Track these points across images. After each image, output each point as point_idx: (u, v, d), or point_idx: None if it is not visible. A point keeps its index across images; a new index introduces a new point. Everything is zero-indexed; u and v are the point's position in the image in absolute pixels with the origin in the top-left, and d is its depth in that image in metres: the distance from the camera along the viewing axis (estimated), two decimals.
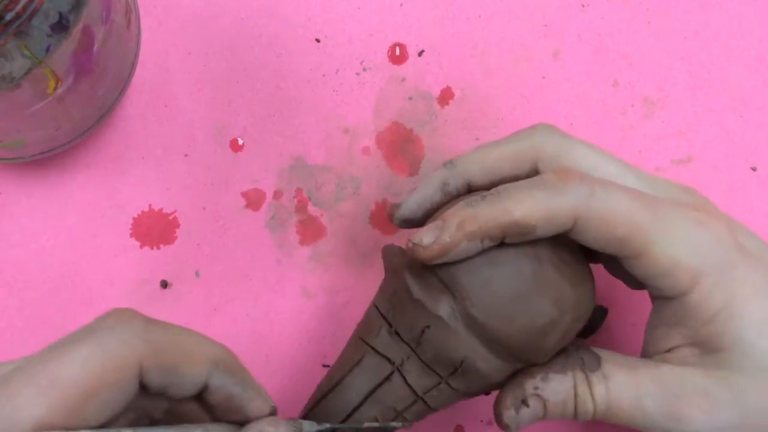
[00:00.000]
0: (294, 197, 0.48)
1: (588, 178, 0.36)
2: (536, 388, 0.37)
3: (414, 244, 0.37)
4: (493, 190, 0.37)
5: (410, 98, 0.49)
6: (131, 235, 0.47)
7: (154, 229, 0.48)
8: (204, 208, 0.48)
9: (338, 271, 0.48)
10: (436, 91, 0.49)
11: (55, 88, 0.39)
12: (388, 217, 0.42)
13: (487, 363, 0.37)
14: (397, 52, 0.49)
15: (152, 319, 0.32)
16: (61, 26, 0.37)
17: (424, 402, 0.39)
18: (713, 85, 0.50)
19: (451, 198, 0.41)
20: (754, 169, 0.49)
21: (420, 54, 0.49)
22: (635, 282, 0.40)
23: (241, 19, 0.49)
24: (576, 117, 0.49)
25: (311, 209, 0.48)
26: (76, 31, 0.37)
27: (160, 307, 0.47)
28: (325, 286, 0.47)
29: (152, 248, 0.47)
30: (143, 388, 0.31)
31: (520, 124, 0.49)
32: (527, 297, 0.36)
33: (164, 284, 0.47)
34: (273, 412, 0.34)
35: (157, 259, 0.47)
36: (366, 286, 0.48)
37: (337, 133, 0.49)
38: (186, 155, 0.48)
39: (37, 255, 0.47)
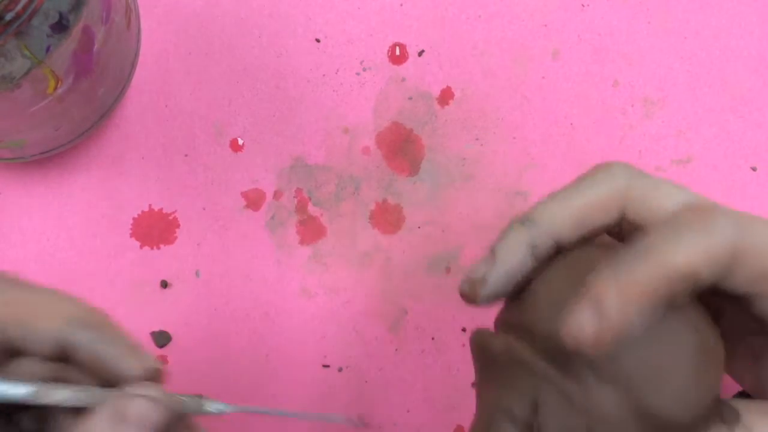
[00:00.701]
0: (294, 197, 0.48)
1: (731, 210, 0.32)
2: None
3: (574, 335, 0.30)
4: (632, 245, 0.31)
5: (410, 98, 0.49)
6: (131, 235, 0.47)
7: (154, 229, 0.48)
8: (204, 208, 0.48)
9: (338, 271, 0.48)
10: (436, 91, 0.49)
11: (55, 88, 0.39)
12: (464, 295, 0.34)
13: None
14: (397, 52, 0.49)
15: (8, 278, 0.31)
16: (61, 26, 0.37)
17: None
18: (713, 85, 0.50)
19: (542, 259, 0.34)
20: (754, 169, 0.49)
21: (420, 54, 0.49)
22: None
23: (241, 19, 0.49)
24: (576, 117, 0.49)
25: (311, 209, 0.48)
26: (76, 31, 0.37)
27: (160, 307, 0.47)
28: (325, 286, 0.47)
29: (152, 248, 0.47)
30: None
31: (520, 124, 0.49)
32: (701, 373, 0.31)
33: (164, 284, 0.47)
34: (152, 375, 0.32)
35: (157, 259, 0.47)
36: (366, 286, 0.48)
37: (337, 133, 0.49)
38: (186, 155, 0.48)
39: (37, 255, 0.47)
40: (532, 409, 0.32)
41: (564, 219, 0.34)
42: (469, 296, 0.34)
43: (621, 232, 0.35)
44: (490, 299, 0.34)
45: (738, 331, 0.36)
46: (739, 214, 0.32)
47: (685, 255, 0.30)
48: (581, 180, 0.35)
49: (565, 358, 0.31)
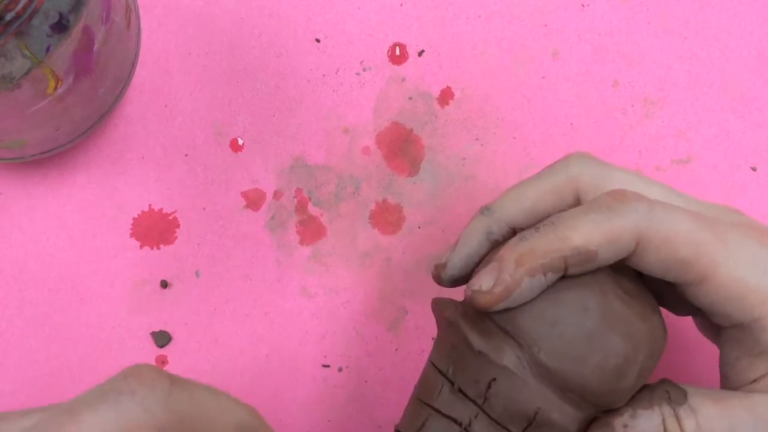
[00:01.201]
0: (294, 197, 0.48)
1: (645, 198, 0.35)
2: (625, 426, 0.35)
3: (473, 291, 0.34)
4: (546, 221, 0.35)
5: (410, 98, 0.49)
6: (131, 235, 0.47)
7: (154, 229, 0.48)
8: (204, 208, 0.48)
9: (338, 271, 0.48)
10: (436, 91, 0.49)
11: (55, 88, 0.39)
12: (434, 279, 0.39)
13: (561, 413, 0.35)
14: (397, 52, 0.49)
15: (177, 381, 0.30)
16: (61, 26, 0.37)
17: None
18: (713, 85, 0.50)
19: (498, 244, 0.38)
20: (754, 169, 0.49)
21: (420, 54, 0.49)
22: (684, 309, 0.39)
23: (241, 19, 0.49)
24: (576, 117, 0.49)
25: (311, 209, 0.48)
26: (76, 31, 0.37)
27: (160, 307, 0.47)
28: (325, 286, 0.47)
29: (152, 248, 0.47)
30: None
31: (520, 124, 0.49)
32: (598, 335, 0.34)
33: (164, 284, 0.47)
34: None
35: (157, 259, 0.47)
36: (366, 286, 0.48)
37: (337, 133, 0.49)
38: (186, 155, 0.48)
39: (37, 255, 0.47)
40: (451, 362, 0.36)
41: (517, 207, 0.38)
42: (435, 278, 0.39)
43: None
44: (453, 280, 0.39)
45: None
46: (656, 203, 0.35)
47: (585, 234, 0.34)
48: (542, 171, 0.38)
49: (480, 319, 0.36)
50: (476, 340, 0.35)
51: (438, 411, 0.36)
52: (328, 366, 0.47)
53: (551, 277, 0.34)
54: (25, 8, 0.35)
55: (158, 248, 0.47)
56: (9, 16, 0.34)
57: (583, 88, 0.49)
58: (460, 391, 0.35)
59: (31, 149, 0.44)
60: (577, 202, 0.37)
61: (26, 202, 0.47)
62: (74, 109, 0.42)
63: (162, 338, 0.47)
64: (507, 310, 0.35)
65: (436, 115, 0.49)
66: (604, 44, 0.50)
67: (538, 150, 0.49)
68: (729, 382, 0.37)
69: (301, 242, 0.48)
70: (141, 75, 0.48)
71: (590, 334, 0.34)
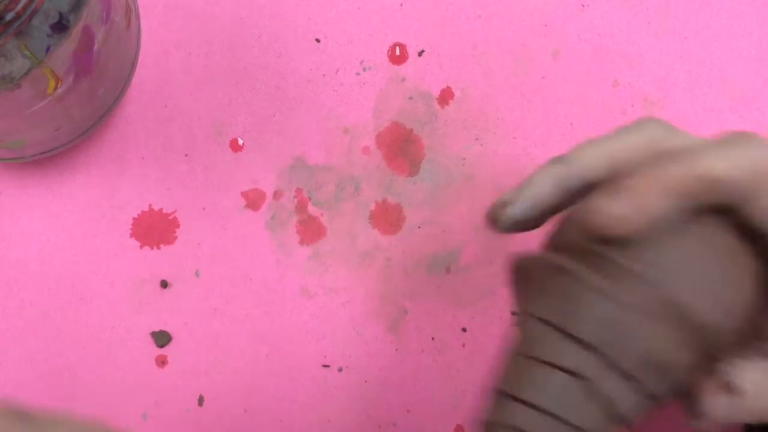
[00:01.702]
0: (294, 197, 0.48)
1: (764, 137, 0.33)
2: (736, 375, 0.33)
3: (606, 216, 0.31)
4: (674, 153, 0.33)
5: (410, 98, 0.49)
6: (131, 235, 0.47)
7: (154, 229, 0.48)
8: (204, 208, 0.48)
9: (338, 271, 0.48)
10: (436, 91, 0.49)
11: (55, 88, 0.39)
12: (488, 219, 0.35)
13: (680, 356, 0.32)
14: (397, 52, 0.49)
15: (24, 417, 0.29)
16: (61, 26, 0.37)
17: (619, 416, 0.33)
18: (713, 85, 0.50)
19: (570, 199, 0.35)
20: None
21: (420, 54, 0.49)
22: None
23: (241, 19, 0.49)
24: (576, 117, 0.49)
25: (311, 209, 0.48)
26: (76, 31, 0.37)
27: (160, 307, 0.47)
28: (325, 286, 0.47)
29: (152, 248, 0.47)
30: None
31: (520, 124, 0.49)
32: (729, 273, 0.32)
33: (164, 284, 0.47)
34: None
35: (157, 259, 0.47)
36: (366, 286, 0.48)
37: (337, 133, 0.49)
38: (186, 155, 0.48)
39: (37, 255, 0.47)
40: (559, 310, 0.33)
41: (596, 161, 0.34)
42: (492, 218, 0.35)
43: None
44: (512, 223, 0.35)
45: None
46: None
47: (728, 165, 0.31)
48: (616, 130, 0.35)
49: (595, 259, 0.32)
50: (596, 279, 0.32)
51: (549, 363, 0.33)
52: (328, 366, 0.47)
53: (687, 206, 0.32)
54: (25, 8, 0.35)
55: (158, 248, 0.47)
56: (9, 16, 0.34)
57: (583, 88, 0.49)
58: (574, 337, 0.32)
59: (31, 149, 0.44)
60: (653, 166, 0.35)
61: (26, 202, 0.47)
62: (74, 109, 0.42)
63: (162, 338, 0.47)
64: (625, 248, 0.32)
65: (436, 115, 0.49)
66: (604, 44, 0.50)
67: (538, 150, 0.49)
68: None
69: (301, 242, 0.48)
70: (141, 75, 0.48)
71: (723, 270, 0.32)
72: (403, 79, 0.49)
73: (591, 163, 0.35)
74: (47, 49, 0.37)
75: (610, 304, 0.32)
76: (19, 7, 0.34)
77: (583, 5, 0.50)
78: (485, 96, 0.49)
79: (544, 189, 0.35)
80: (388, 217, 0.48)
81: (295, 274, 0.47)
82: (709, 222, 0.33)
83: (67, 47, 0.37)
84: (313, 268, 0.48)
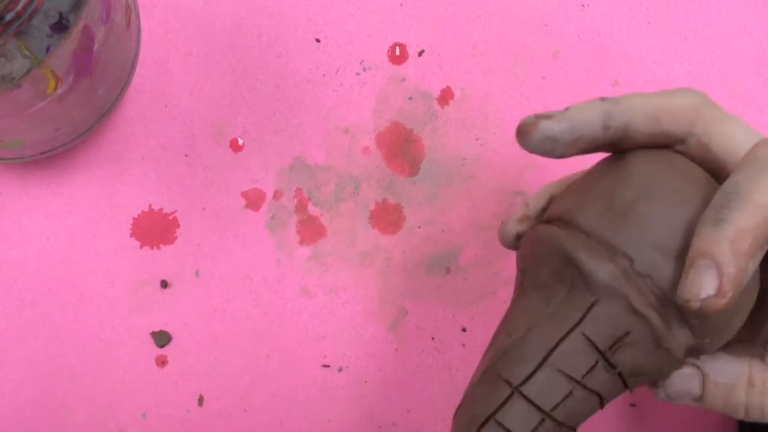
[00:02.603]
0: (294, 197, 0.48)
1: None
2: (698, 361, 0.33)
3: (701, 302, 0.30)
4: (722, 193, 0.31)
5: (410, 98, 0.49)
6: (131, 235, 0.47)
7: (154, 229, 0.48)
8: (204, 208, 0.48)
9: (338, 271, 0.48)
10: (436, 91, 0.49)
11: (55, 88, 0.39)
12: (520, 132, 0.34)
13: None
14: (397, 52, 0.49)
15: None
16: (61, 26, 0.37)
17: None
18: (713, 85, 0.50)
19: (610, 139, 0.35)
20: None
21: (420, 54, 0.49)
22: None
23: (241, 19, 0.49)
24: None
25: (311, 209, 0.48)
26: (76, 31, 0.37)
27: (160, 307, 0.47)
28: (325, 286, 0.47)
29: (152, 248, 0.47)
30: None
31: None
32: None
33: (164, 284, 0.47)
34: None
35: (157, 259, 0.47)
36: (366, 286, 0.48)
37: (337, 133, 0.49)
38: (186, 155, 0.48)
39: (37, 255, 0.47)
40: (613, 336, 0.32)
41: (641, 109, 0.34)
42: (524, 130, 0.34)
43: (685, 150, 0.35)
44: (545, 138, 0.34)
45: None
46: None
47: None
48: (661, 91, 0.35)
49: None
50: (661, 330, 0.32)
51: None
52: (328, 366, 0.47)
53: (764, 251, 0.31)
54: (25, 8, 0.35)
55: (158, 248, 0.47)
56: (9, 16, 0.34)
57: (583, 88, 0.49)
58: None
59: (31, 149, 0.44)
60: (689, 134, 0.35)
61: (26, 202, 0.47)
62: (74, 109, 0.42)
63: (162, 338, 0.47)
64: (615, 226, 0.32)
65: (436, 115, 0.49)
66: (604, 44, 0.50)
67: None
68: None
69: (301, 242, 0.48)
70: (141, 75, 0.48)
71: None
72: (403, 79, 0.49)
73: (637, 109, 0.34)
74: (47, 49, 0.37)
75: (659, 354, 0.32)
76: (19, 7, 0.34)
77: (583, 5, 0.50)
78: (485, 96, 0.49)
79: (588, 115, 0.34)
80: (388, 217, 0.48)
81: (295, 274, 0.47)
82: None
83: (67, 47, 0.37)
84: (313, 268, 0.48)
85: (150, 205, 0.48)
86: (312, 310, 0.47)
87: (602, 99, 0.34)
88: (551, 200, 0.38)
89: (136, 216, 0.48)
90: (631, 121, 0.34)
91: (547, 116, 0.34)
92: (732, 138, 0.35)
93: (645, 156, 0.35)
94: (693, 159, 0.36)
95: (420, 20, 0.49)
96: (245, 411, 0.47)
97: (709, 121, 0.35)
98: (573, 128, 0.34)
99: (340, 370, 0.47)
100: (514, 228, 0.39)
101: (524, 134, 0.34)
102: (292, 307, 0.47)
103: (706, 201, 0.33)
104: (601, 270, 0.32)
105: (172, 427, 0.47)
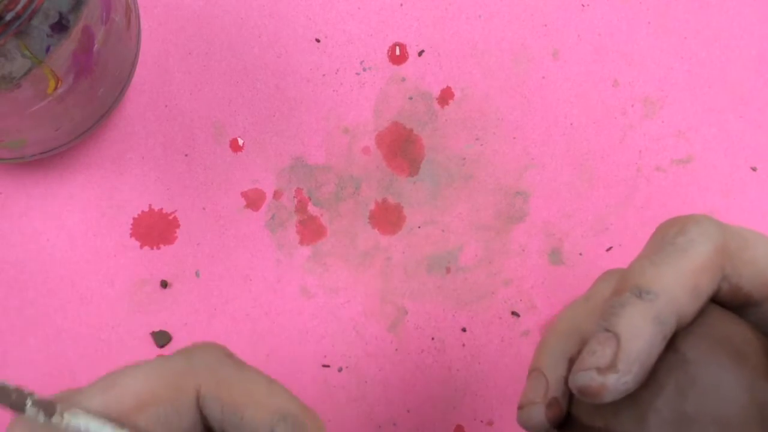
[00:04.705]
0: (294, 197, 0.48)
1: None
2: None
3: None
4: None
5: (410, 98, 0.49)
6: (131, 235, 0.47)
7: (154, 229, 0.48)
8: (204, 208, 0.48)
9: (338, 271, 0.48)
10: (436, 91, 0.49)
11: (55, 88, 0.39)
12: (585, 392, 0.28)
13: None
14: (397, 52, 0.49)
15: (234, 358, 0.31)
16: (61, 26, 0.37)
17: None
18: (713, 85, 0.50)
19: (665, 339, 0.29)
20: (754, 169, 0.49)
21: (420, 54, 0.49)
22: None
23: (241, 19, 0.49)
24: (576, 117, 0.49)
25: (311, 209, 0.48)
26: (76, 31, 0.37)
27: (160, 307, 0.47)
28: (325, 286, 0.47)
29: (152, 248, 0.47)
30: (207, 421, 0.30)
31: (520, 124, 0.49)
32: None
33: (164, 284, 0.47)
34: None
35: (157, 259, 0.47)
36: (366, 286, 0.48)
37: (337, 133, 0.49)
38: (186, 155, 0.48)
39: (37, 255, 0.47)
40: None
41: (681, 289, 0.28)
42: (595, 390, 0.28)
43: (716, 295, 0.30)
44: (621, 391, 0.28)
45: None
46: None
47: None
48: (674, 238, 0.29)
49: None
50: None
51: None
52: (328, 366, 0.47)
53: None
54: (25, 8, 0.35)
55: (158, 248, 0.47)
56: (9, 16, 0.34)
57: (583, 88, 0.49)
58: None
59: (31, 149, 0.44)
60: (720, 278, 0.29)
61: (26, 202, 0.47)
62: (74, 109, 0.42)
63: (162, 338, 0.47)
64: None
65: (436, 115, 0.49)
66: (604, 44, 0.50)
67: (538, 150, 0.49)
68: None
69: (301, 242, 0.48)
70: (141, 75, 0.48)
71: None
72: (403, 79, 0.49)
73: (676, 292, 0.28)
74: (47, 49, 0.37)
75: None
76: (19, 7, 0.34)
77: (583, 5, 0.50)
78: (485, 96, 0.49)
79: (645, 339, 0.28)
80: (388, 217, 0.48)
81: (295, 274, 0.47)
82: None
83: (67, 47, 0.37)
84: (313, 268, 0.48)
85: (150, 205, 0.48)
86: (312, 310, 0.47)
87: (637, 294, 0.28)
88: (570, 361, 0.32)
89: (136, 216, 0.48)
90: (680, 310, 0.28)
91: (610, 368, 0.28)
92: (756, 260, 0.30)
93: (706, 354, 0.29)
94: (725, 300, 0.30)
95: (420, 20, 0.49)
96: None
97: (735, 256, 0.29)
98: (640, 361, 0.28)
99: (340, 370, 0.47)
100: (543, 415, 0.31)
101: (594, 395, 0.28)
102: (292, 308, 0.47)
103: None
104: None
105: None
